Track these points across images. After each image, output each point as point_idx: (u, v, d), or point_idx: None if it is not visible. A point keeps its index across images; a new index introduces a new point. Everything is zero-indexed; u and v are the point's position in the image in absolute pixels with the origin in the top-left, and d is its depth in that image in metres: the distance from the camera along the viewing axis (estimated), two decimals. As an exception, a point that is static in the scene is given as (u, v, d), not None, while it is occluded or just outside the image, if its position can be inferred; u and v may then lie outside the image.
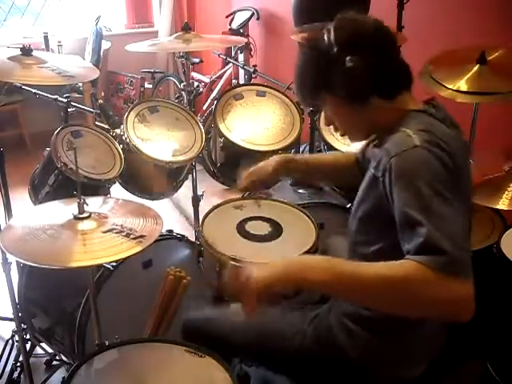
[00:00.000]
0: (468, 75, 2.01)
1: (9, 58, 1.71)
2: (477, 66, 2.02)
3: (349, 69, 1.22)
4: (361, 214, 1.31)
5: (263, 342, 1.46)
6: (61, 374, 2.11)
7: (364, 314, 1.30)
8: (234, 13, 4.52)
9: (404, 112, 1.26)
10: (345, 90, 1.25)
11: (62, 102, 2.26)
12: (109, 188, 2.07)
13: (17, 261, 2.01)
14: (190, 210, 2.53)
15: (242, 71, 4.27)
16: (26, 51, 1.73)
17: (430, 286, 1.00)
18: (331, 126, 1.42)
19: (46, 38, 3.76)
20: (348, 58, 1.22)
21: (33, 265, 1.27)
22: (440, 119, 1.25)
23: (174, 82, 4.68)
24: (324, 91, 1.30)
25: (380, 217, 1.19)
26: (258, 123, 2.24)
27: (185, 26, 2.31)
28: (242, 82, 4.20)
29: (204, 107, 4.44)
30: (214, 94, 4.49)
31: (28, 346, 2.11)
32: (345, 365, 1.34)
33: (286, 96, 2.32)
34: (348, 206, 2.20)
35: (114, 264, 1.82)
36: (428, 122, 1.23)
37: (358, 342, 1.32)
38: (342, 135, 1.46)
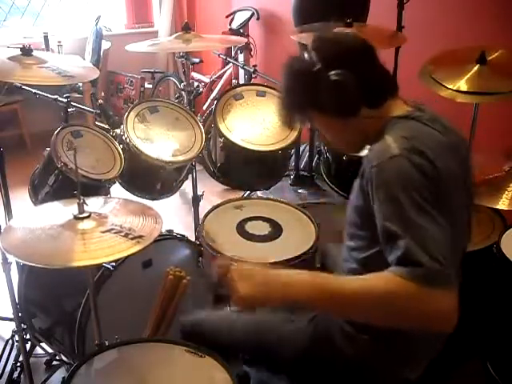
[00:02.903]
0: (468, 75, 2.01)
1: (9, 58, 1.71)
2: (477, 66, 2.02)
3: (334, 82, 1.23)
4: (353, 220, 1.31)
5: (262, 343, 1.46)
6: (61, 374, 2.11)
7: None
8: (234, 13, 4.52)
9: (389, 119, 1.27)
10: (333, 105, 1.25)
11: (62, 101, 2.26)
12: (109, 188, 2.07)
13: (17, 261, 2.01)
14: (190, 210, 2.53)
15: (241, 71, 4.27)
16: (26, 51, 1.73)
17: (410, 297, 1.00)
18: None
19: (46, 38, 3.77)
20: (333, 73, 1.23)
21: (33, 265, 1.27)
22: (426, 122, 1.24)
23: (174, 82, 4.68)
24: (312, 110, 1.31)
25: (370, 224, 1.19)
26: (258, 123, 2.24)
27: (185, 26, 2.31)
28: (242, 81, 4.20)
29: (204, 107, 4.44)
30: (213, 94, 4.48)
31: (28, 346, 2.11)
32: (343, 366, 1.34)
33: (286, 96, 2.32)
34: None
35: (114, 264, 1.82)
36: (412, 127, 1.22)
37: (354, 344, 1.32)
38: (338, 149, 1.46)
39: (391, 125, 1.24)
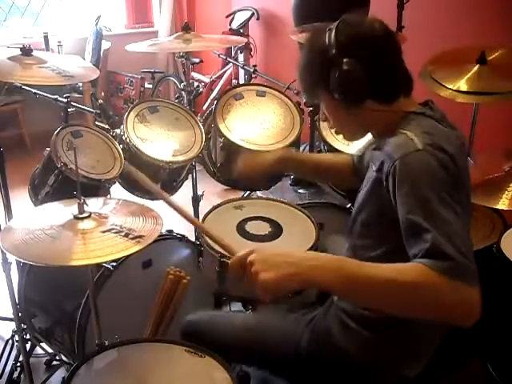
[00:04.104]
0: (468, 75, 2.01)
1: (9, 58, 1.71)
2: (477, 66, 2.02)
3: (345, 71, 1.23)
4: (363, 217, 1.30)
5: (263, 346, 1.46)
6: (61, 373, 2.11)
7: (364, 313, 1.30)
8: (234, 13, 4.52)
9: (402, 114, 1.27)
10: (340, 92, 1.26)
11: (62, 101, 2.26)
12: (109, 188, 2.07)
13: (17, 261, 2.01)
14: (190, 210, 2.53)
15: (241, 71, 4.27)
16: (26, 51, 1.73)
17: (437, 289, 1.00)
18: (328, 122, 1.43)
19: (46, 38, 3.76)
20: (345, 61, 1.23)
21: (33, 264, 1.27)
22: (438, 120, 1.25)
23: (174, 82, 4.68)
24: (321, 90, 1.31)
25: (383, 220, 1.19)
26: (258, 123, 2.24)
27: (185, 26, 2.30)
28: (242, 81, 4.20)
29: (204, 107, 4.44)
30: (213, 94, 4.49)
31: (28, 346, 2.11)
32: (344, 364, 1.34)
33: (285, 96, 2.32)
34: (348, 206, 2.20)
35: (114, 264, 1.82)
36: (428, 123, 1.23)
37: (356, 341, 1.32)
38: (337, 133, 1.47)
39: (407, 120, 1.24)
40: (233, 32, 4.35)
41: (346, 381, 1.36)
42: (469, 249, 1.05)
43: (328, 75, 1.26)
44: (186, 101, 2.48)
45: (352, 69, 1.22)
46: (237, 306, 1.87)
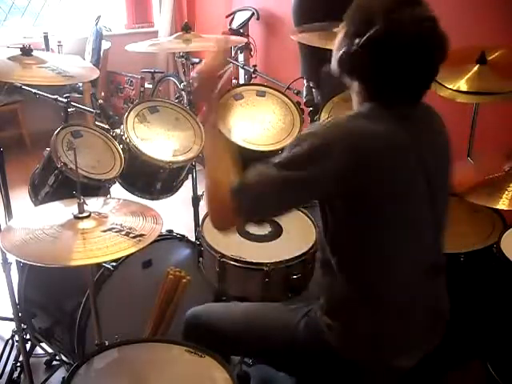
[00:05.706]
0: (468, 75, 2.01)
1: (9, 58, 1.71)
2: (477, 66, 2.02)
3: (355, 51, 1.22)
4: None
5: (262, 333, 1.46)
6: (61, 374, 2.11)
7: (332, 306, 1.33)
8: (234, 13, 4.52)
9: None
10: (335, 59, 1.29)
11: (62, 101, 2.26)
12: (109, 188, 2.07)
13: (17, 261, 2.01)
14: (190, 210, 2.53)
15: (242, 71, 4.27)
16: (26, 51, 1.73)
17: (224, 195, 1.26)
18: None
19: (46, 38, 3.77)
20: (362, 43, 1.20)
21: (33, 264, 1.27)
22: (400, 118, 1.24)
23: (174, 82, 4.68)
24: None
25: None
26: (258, 123, 2.23)
27: (185, 26, 2.31)
28: (242, 81, 4.20)
29: (204, 107, 4.44)
30: (213, 94, 4.48)
31: (28, 346, 2.11)
32: (333, 359, 1.34)
33: (286, 96, 2.32)
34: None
35: (114, 264, 1.82)
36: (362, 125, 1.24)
37: (335, 334, 1.32)
38: None
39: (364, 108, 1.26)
40: (233, 32, 4.35)
41: (337, 374, 1.37)
42: (262, 203, 1.29)
43: (350, 37, 1.24)
44: (185, 101, 2.48)
45: (357, 54, 1.21)
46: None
